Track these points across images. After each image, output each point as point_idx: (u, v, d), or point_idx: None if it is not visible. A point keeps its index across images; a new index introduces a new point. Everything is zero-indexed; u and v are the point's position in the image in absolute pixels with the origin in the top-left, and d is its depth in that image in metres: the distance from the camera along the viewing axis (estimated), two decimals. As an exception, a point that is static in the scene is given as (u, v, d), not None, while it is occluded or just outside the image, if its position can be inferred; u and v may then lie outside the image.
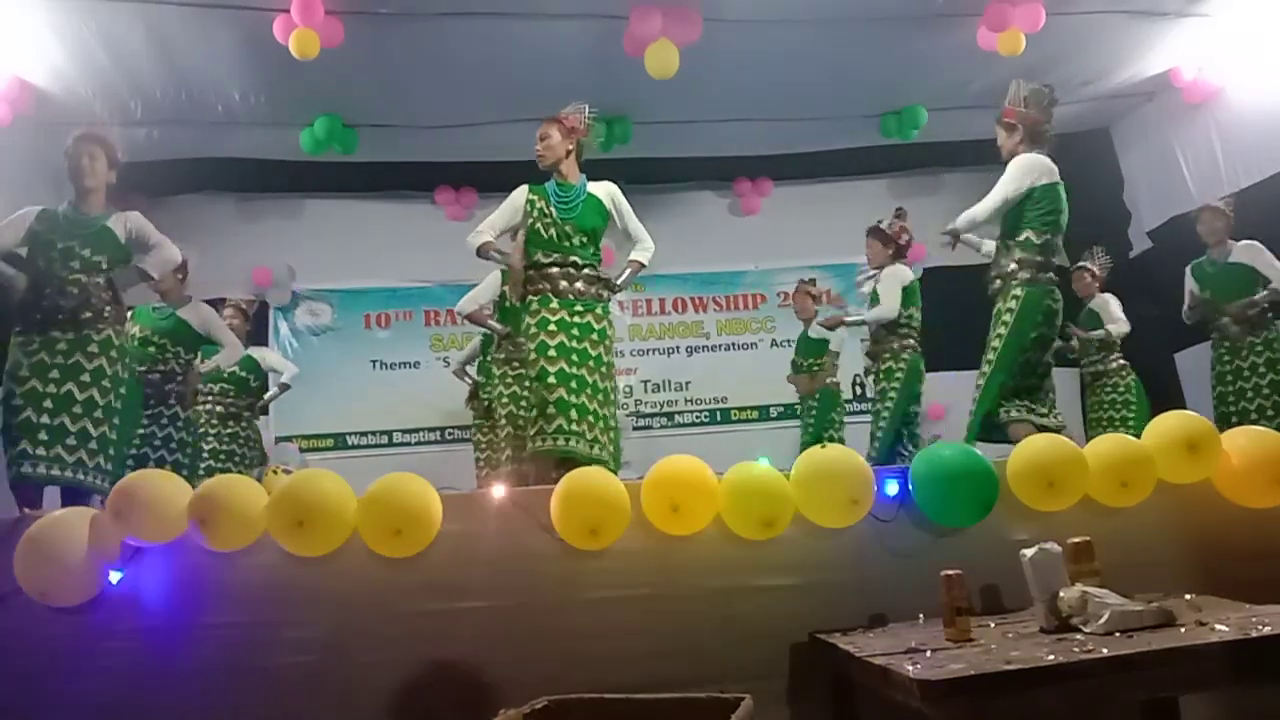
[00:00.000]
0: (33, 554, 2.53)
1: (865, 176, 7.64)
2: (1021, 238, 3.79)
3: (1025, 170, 3.77)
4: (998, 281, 3.87)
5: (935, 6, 5.17)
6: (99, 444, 3.46)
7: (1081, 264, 6.00)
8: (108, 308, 3.58)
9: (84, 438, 3.42)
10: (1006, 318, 3.76)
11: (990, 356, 3.79)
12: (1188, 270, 5.36)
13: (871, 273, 5.38)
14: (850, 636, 2.51)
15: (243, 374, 5.54)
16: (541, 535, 2.71)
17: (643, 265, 3.89)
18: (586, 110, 3.84)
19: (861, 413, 6.35)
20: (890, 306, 4.98)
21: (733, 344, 7.89)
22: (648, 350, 7.82)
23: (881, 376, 5.11)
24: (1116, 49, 5.82)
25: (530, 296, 3.71)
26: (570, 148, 3.79)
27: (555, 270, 3.69)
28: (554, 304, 3.66)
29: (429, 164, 7.01)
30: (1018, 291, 3.75)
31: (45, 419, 3.37)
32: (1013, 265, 3.79)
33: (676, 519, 2.71)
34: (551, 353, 3.57)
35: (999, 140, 3.96)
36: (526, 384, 3.90)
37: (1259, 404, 4.95)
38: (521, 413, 4.49)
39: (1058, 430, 3.57)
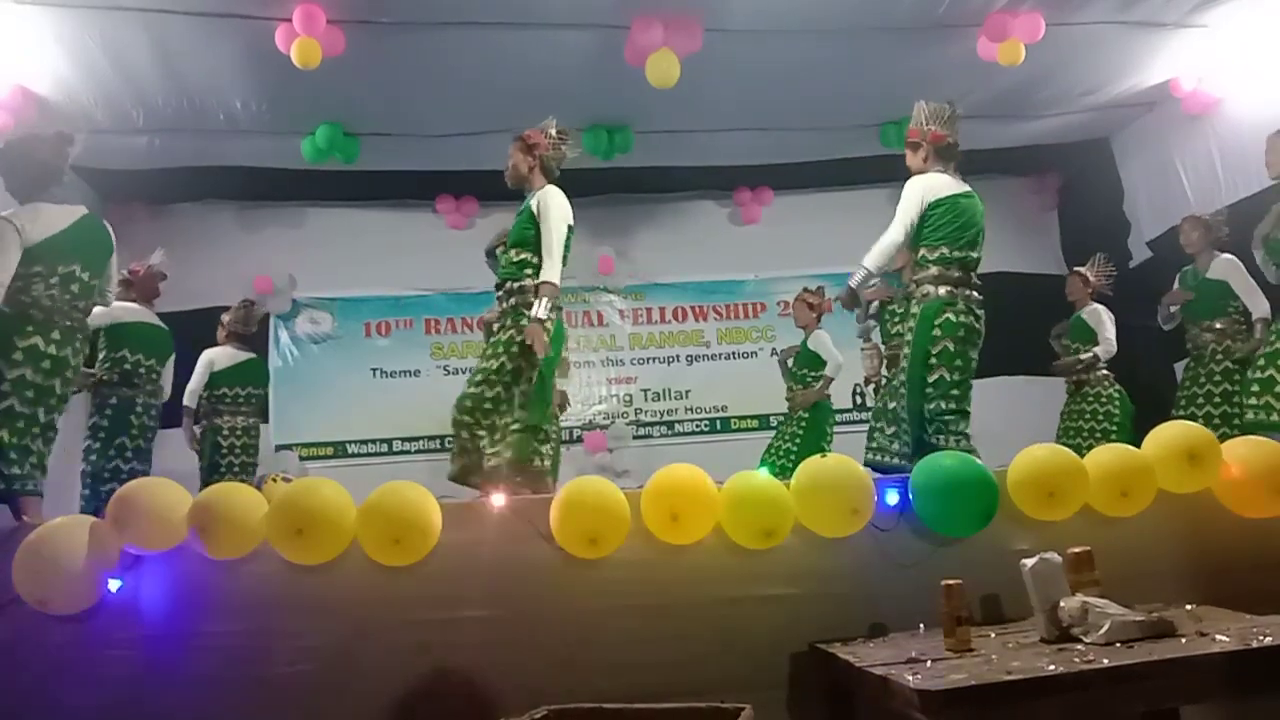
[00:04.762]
0: (32, 562, 2.53)
1: (865, 186, 7.62)
2: (920, 254, 3.72)
3: (916, 193, 3.73)
4: (927, 288, 3.67)
5: (935, 17, 5.18)
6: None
7: (1077, 269, 5.99)
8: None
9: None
10: (936, 332, 3.58)
11: (947, 377, 3.57)
12: (1178, 278, 5.41)
13: (875, 281, 5.30)
14: (850, 646, 2.51)
15: (251, 380, 5.62)
16: (541, 544, 2.71)
17: (555, 286, 3.59)
18: (553, 125, 3.86)
19: (860, 422, 6.32)
20: None
21: (733, 353, 7.89)
22: (648, 359, 7.81)
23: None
24: (1116, 59, 5.83)
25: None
26: (532, 164, 3.81)
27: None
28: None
29: (430, 173, 7.00)
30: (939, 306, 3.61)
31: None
32: (925, 281, 3.68)
33: (676, 528, 2.71)
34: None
35: (907, 160, 3.91)
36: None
37: (1207, 410, 4.96)
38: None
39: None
